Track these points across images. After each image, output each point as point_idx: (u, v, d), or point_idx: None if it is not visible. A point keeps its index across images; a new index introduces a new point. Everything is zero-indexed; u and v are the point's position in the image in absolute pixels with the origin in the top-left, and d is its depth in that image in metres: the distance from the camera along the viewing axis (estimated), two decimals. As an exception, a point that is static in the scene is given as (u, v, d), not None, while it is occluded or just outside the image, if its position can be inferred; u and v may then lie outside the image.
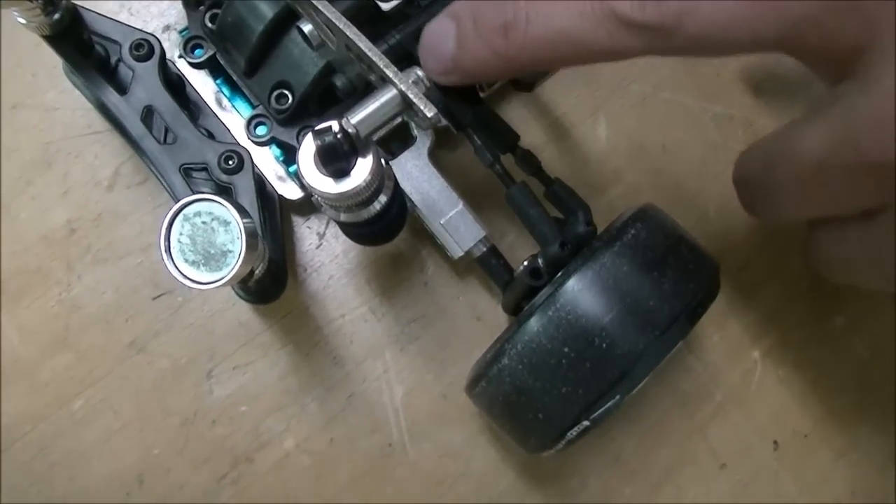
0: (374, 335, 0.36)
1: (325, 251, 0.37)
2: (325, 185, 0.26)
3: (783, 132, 0.26)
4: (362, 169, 0.26)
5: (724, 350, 0.37)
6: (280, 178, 0.35)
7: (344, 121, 0.25)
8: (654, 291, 0.27)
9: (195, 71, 0.35)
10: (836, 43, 0.23)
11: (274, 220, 0.34)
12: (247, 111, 0.35)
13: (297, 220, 0.37)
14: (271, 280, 0.34)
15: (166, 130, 0.33)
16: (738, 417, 0.37)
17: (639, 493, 0.36)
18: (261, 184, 0.34)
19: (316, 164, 0.26)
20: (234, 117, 0.35)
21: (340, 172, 0.26)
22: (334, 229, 0.36)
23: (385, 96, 0.27)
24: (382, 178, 0.27)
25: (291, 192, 0.35)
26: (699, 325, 0.36)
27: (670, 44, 0.23)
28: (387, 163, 0.28)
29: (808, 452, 0.37)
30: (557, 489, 0.36)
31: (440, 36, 0.27)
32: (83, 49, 0.33)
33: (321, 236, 0.37)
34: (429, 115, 0.26)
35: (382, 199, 0.28)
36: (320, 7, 0.28)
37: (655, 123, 0.39)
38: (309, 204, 0.36)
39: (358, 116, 0.27)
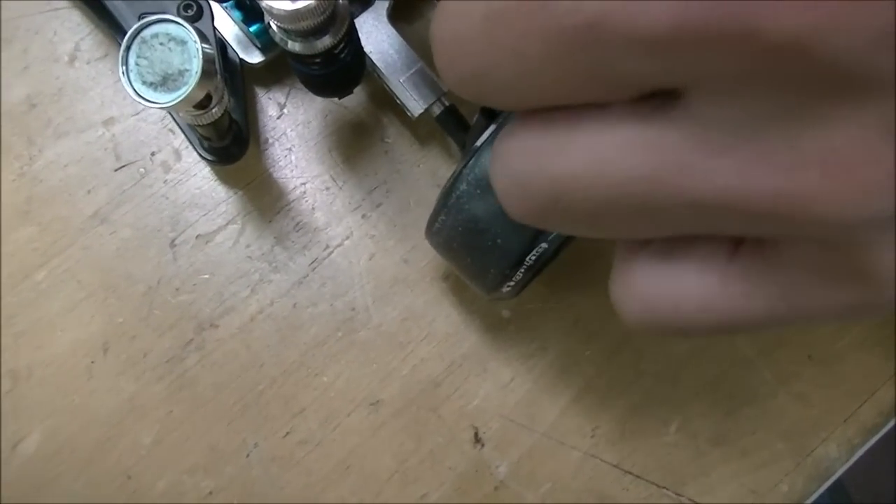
0: (336, 202, 0.36)
1: (286, 120, 0.37)
2: (279, 2, 0.26)
3: None
4: (316, -12, 0.26)
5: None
6: (242, 43, 0.35)
7: (298, -63, 0.26)
8: None
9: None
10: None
11: (235, 82, 0.35)
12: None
13: (259, 94, 0.37)
14: (233, 139, 0.34)
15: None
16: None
17: (598, 355, 0.37)
18: (223, 48, 0.35)
19: (271, -17, 0.26)
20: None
21: (295, -8, 0.26)
22: (295, 99, 0.37)
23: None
24: (336, 8, 0.28)
25: (253, 56, 0.35)
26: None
27: None
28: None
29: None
30: (519, 351, 0.36)
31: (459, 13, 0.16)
32: None
33: (282, 106, 0.37)
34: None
35: (336, 32, 0.28)
36: None
37: None
38: (270, 73, 0.37)
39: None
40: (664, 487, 0.37)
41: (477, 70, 0.15)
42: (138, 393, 0.35)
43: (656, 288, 0.17)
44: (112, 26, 0.34)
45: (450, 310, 0.36)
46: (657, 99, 0.14)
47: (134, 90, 0.27)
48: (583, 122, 0.15)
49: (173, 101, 0.27)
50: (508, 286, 0.30)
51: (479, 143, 0.28)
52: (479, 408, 0.36)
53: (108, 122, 0.36)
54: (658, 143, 0.14)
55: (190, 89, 0.27)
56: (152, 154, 0.36)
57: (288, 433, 0.35)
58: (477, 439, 0.36)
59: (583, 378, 0.37)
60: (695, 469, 0.37)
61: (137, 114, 0.36)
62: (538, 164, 0.16)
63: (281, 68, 0.36)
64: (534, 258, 0.28)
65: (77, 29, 0.37)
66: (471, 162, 0.28)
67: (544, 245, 0.28)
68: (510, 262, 0.29)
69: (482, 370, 0.36)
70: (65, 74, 0.37)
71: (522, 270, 0.29)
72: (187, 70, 0.27)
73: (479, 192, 0.28)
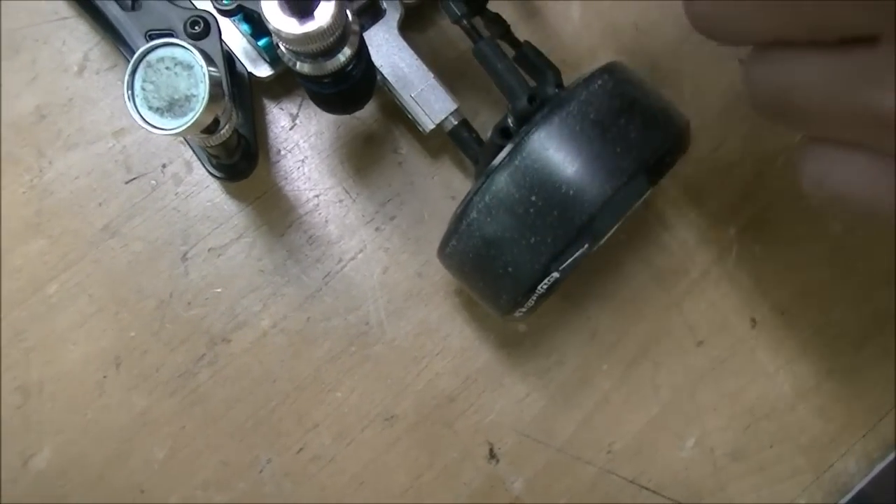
0: (349, 215, 0.36)
1: (298, 132, 0.36)
2: (288, 25, 0.25)
3: None
4: (325, 11, 0.25)
5: (700, 227, 0.37)
6: (250, 56, 0.34)
7: (306, -42, 0.25)
8: (620, 138, 0.27)
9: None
10: None
11: (244, 96, 0.34)
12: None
13: (270, 105, 0.37)
14: (242, 155, 0.34)
15: (132, -3, 0.33)
16: (714, 294, 0.37)
17: (616, 368, 0.36)
18: (230, 62, 0.34)
19: (280, 5, 0.25)
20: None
21: (303, 12, 0.25)
22: (307, 110, 0.36)
23: (349, -63, 0.27)
24: (347, 28, 0.27)
25: (261, 70, 0.34)
26: (672, 202, 0.36)
27: None
28: (353, 15, 0.28)
29: (784, 329, 0.37)
30: (535, 366, 0.36)
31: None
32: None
33: (294, 117, 0.36)
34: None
35: (347, 51, 0.28)
36: None
37: (629, 3, 0.39)
38: (279, 85, 0.36)
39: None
40: (680, 503, 0.36)
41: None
42: (150, 408, 0.35)
43: (833, 165, 0.22)
44: (117, 41, 0.33)
45: (464, 324, 0.36)
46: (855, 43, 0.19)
47: (140, 115, 0.27)
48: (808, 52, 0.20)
49: (180, 127, 0.26)
50: (521, 311, 0.29)
51: (493, 164, 0.28)
52: (494, 423, 0.36)
53: (119, 134, 0.36)
54: (860, 66, 0.19)
55: (197, 115, 0.26)
56: (163, 166, 0.36)
57: (301, 449, 0.35)
58: (492, 455, 0.36)
59: (599, 392, 0.36)
60: (712, 484, 0.36)
61: (147, 125, 0.36)
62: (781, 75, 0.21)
63: (292, 79, 0.35)
64: (546, 287, 0.28)
65: (85, 39, 0.36)
66: (483, 187, 0.28)
67: (556, 275, 0.28)
68: (522, 290, 0.28)
69: (498, 385, 0.36)
70: (74, 85, 0.36)
71: (535, 298, 0.28)
72: (194, 95, 0.26)
73: (490, 218, 0.28)
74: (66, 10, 0.36)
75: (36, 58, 0.36)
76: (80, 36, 0.36)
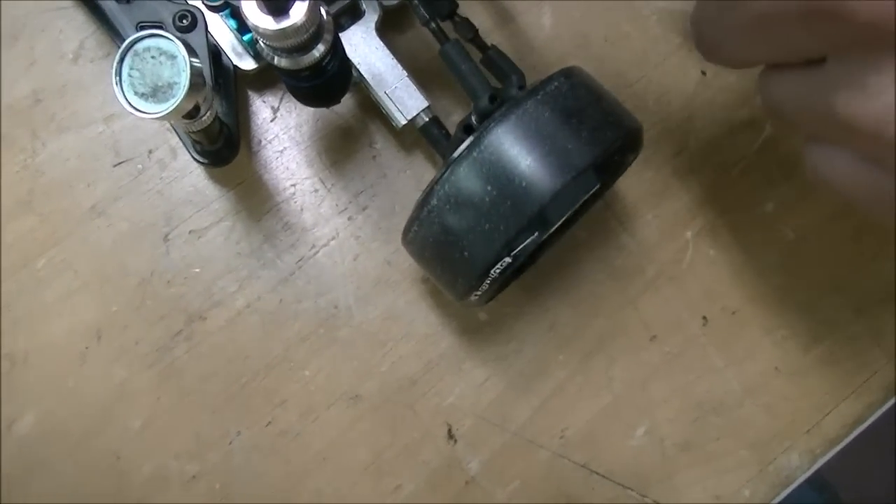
0: (323, 204, 0.38)
1: (278, 124, 0.38)
2: (265, 22, 0.27)
3: None
4: (299, 9, 0.28)
5: (658, 229, 0.39)
6: (236, 50, 0.36)
7: (283, -42, 0.27)
8: (571, 137, 0.29)
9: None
10: None
11: (228, 87, 0.36)
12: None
13: (253, 97, 0.39)
14: (224, 142, 0.36)
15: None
16: (669, 292, 0.39)
17: (572, 359, 0.38)
18: (217, 54, 0.36)
19: (258, 4, 0.27)
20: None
21: (279, 10, 0.27)
22: (288, 104, 0.38)
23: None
24: (321, 25, 0.29)
25: (246, 63, 0.36)
26: (632, 204, 0.38)
27: None
28: (327, 14, 0.30)
29: (735, 328, 0.39)
30: (495, 353, 0.38)
31: None
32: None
33: (275, 110, 0.38)
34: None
35: (321, 47, 0.30)
36: None
37: (599, 16, 0.41)
38: (262, 78, 0.38)
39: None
40: (629, 488, 0.38)
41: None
42: (129, 379, 0.37)
43: (825, 160, 0.27)
44: (111, 31, 0.35)
45: (429, 311, 0.38)
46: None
47: (126, 100, 0.29)
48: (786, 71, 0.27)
49: (162, 112, 0.28)
50: (476, 295, 0.31)
51: (454, 156, 0.30)
52: (453, 406, 0.38)
53: (109, 119, 0.38)
54: (818, 80, 0.25)
55: (178, 101, 0.28)
56: (150, 152, 0.38)
57: (269, 423, 0.37)
58: (450, 436, 0.37)
59: (555, 381, 0.38)
60: (660, 472, 0.38)
61: (136, 112, 0.38)
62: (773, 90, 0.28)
63: (274, 74, 0.37)
64: (498, 271, 0.30)
65: (82, 28, 0.38)
66: (444, 176, 0.30)
67: (507, 259, 0.29)
68: (476, 274, 0.30)
69: (458, 370, 0.38)
70: (69, 71, 0.38)
71: (488, 282, 0.30)
72: (176, 83, 0.28)
73: (449, 206, 0.29)
74: (65, 1, 0.38)
75: (34, 45, 0.38)
76: (77, 25, 0.38)
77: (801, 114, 0.27)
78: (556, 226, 0.30)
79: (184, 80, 0.28)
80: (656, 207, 0.39)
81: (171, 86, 0.29)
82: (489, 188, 0.29)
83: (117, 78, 0.29)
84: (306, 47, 0.29)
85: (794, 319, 0.40)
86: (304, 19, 0.28)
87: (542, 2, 0.40)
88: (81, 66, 0.38)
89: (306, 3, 0.28)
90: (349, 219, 0.38)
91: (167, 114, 0.28)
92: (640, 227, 0.39)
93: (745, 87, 0.41)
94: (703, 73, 0.40)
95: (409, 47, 0.38)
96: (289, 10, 0.28)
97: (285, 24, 0.28)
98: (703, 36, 0.30)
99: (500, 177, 0.29)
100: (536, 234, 0.29)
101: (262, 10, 0.28)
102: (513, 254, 0.29)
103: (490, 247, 0.29)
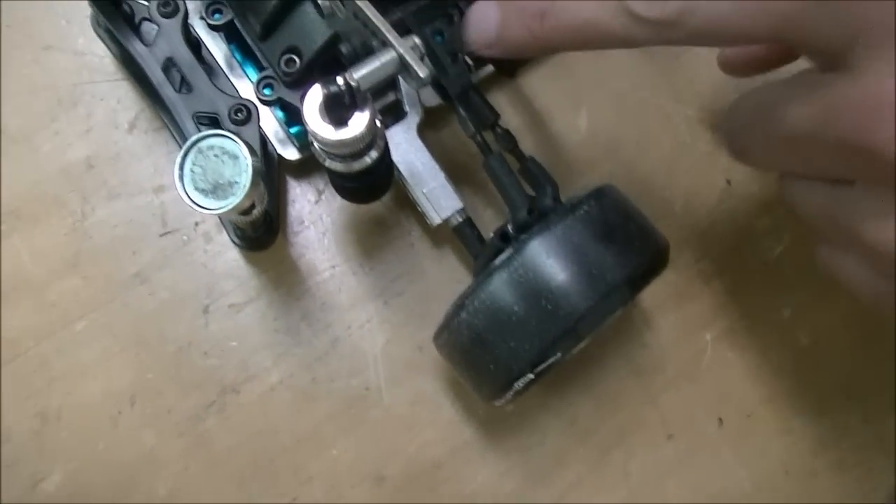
0: (360, 287, 0.39)
1: (322, 206, 0.40)
2: (325, 131, 0.29)
3: (769, 95, 0.29)
4: (360, 121, 0.29)
5: (679, 330, 0.41)
6: (280, 139, 0.38)
7: (348, 74, 0.28)
8: (598, 261, 0.30)
9: (211, 33, 0.39)
10: (825, 38, 0.25)
11: (271, 174, 0.38)
12: (253, 75, 0.38)
13: (297, 179, 0.40)
14: (265, 229, 0.37)
15: (183, 81, 0.36)
16: (687, 392, 0.40)
17: (591, 454, 0.39)
18: (262, 142, 0.37)
19: (320, 112, 0.29)
20: (242, 80, 0.38)
21: (340, 121, 0.29)
22: (331, 188, 0.40)
23: (385, 57, 0.30)
24: (375, 135, 0.31)
25: (290, 153, 0.38)
26: (657, 305, 0.40)
27: (674, 36, 0.27)
28: (381, 123, 0.31)
29: (749, 430, 0.41)
30: (517, 443, 0.39)
31: (486, 15, 0.30)
32: (116, 3, 0.36)
33: (320, 192, 0.40)
34: (422, 75, 0.29)
35: (373, 154, 0.31)
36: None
37: (632, 120, 0.42)
38: (304, 166, 0.39)
39: (361, 72, 0.30)
40: (639, 583, 0.39)
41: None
42: (158, 446, 0.38)
43: (837, 261, 0.30)
44: (164, 113, 0.36)
45: (456, 399, 0.39)
46: None
47: (186, 194, 0.30)
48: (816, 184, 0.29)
49: (222, 208, 0.30)
50: (499, 401, 0.33)
51: (490, 267, 0.31)
52: (475, 492, 0.39)
53: (159, 190, 0.39)
54: (842, 198, 0.28)
55: (238, 200, 0.29)
56: (196, 224, 0.39)
57: (294, 499, 0.38)
58: (470, 522, 0.38)
59: (574, 474, 0.39)
60: (670, 568, 0.39)
61: (185, 185, 0.39)
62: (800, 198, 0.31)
63: (317, 161, 0.39)
64: (522, 384, 0.31)
65: (138, 100, 0.40)
66: (477, 289, 0.31)
67: (531, 376, 0.31)
68: (501, 385, 0.32)
69: (481, 458, 0.39)
70: (123, 140, 0.39)
71: (511, 393, 0.32)
72: (237, 182, 0.30)
73: (478, 319, 0.31)
74: (125, 73, 0.40)
75: (92, 112, 0.40)
76: (134, 97, 0.40)
77: (822, 222, 0.29)
78: (580, 345, 0.32)
79: (244, 181, 0.30)
80: (679, 309, 0.41)
81: (231, 184, 0.30)
82: (516, 308, 0.30)
83: (179, 172, 0.30)
84: (360, 154, 0.31)
85: (805, 423, 0.41)
86: (363, 131, 0.29)
87: (579, 105, 0.42)
88: (136, 136, 0.40)
89: (367, 116, 0.29)
90: (385, 303, 0.39)
91: (226, 211, 0.30)
92: (663, 327, 0.41)
93: (768, 196, 0.42)
94: (728, 182, 0.42)
95: (442, 145, 0.40)
96: (349, 120, 0.29)
97: (345, 135, 0.29)
98: (733, 139, 0.32)
99: (528, 297, 0.30)
100: (559, 354, 0.31)
101: (323, 119, 0.29)
102: (536, 371, 0.31)
103: (515, 363, 0.31)
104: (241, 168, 0.30)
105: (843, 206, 0.28)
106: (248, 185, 0.30)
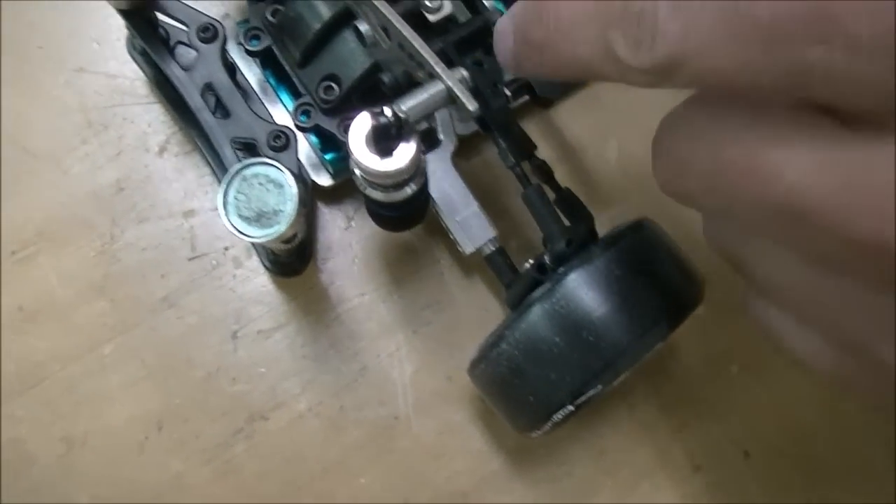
0: (389, 315, 0.39)
1: (352, 233, 0.40)
2: (371, 161, 0.29)
3: (747, 144, 0.21)
4: (405, 152, 0.29)
5: (707, 363, 0.41)
6: (314, 165, 0.38)
7: (396, 106, 0.28)
8: (639, 296, 0.30)
9: (248, 59, 0.39)
10: (857, 99, 0.18)
11: (308, 203, 0.38)
12: (287, 101, 0.38)
13: (330, 204, 0.40)
14: (298, 255, 0.37)
15: (219, 105, 0.36)
16: (714, 425, 0.40)
17: (619, 486, 0.39)
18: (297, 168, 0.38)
19: (366, 141, 0.29)
20: (275, 106, 0.38)
21: (386, 152, 0.29)
22: (363, 213, 0.39)
23: (434, 89, 0.30)
24: (418, 167, 0.31)
25: (323, 179, 0.38)
26: (685, 336, 0.39)
27: (670, 82, 0.23)
28: (424, 154, 0.31)
29: (775, 464, 0.40)
30: (545, 474, 0.39)
31: (502, 35, 0.29)
32: (153, 26, 0.36)
33: (350, 219, 0.40)
34: (471, 108, 0.29)
35: (413, 186, 0.31)
36: (382, 10, 0.31)
37: (663, 151, 0.42)
38: (334, 192, 0.39)
39: (409, 104, 0.30)
40: None
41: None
42: (185, 472, 0.37)
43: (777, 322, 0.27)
44: (200, 138, 0.36)
45: (485, 428, 0.39)
46: None
47: (230, 221, 0.30)
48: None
49: (265, 237, 0.30)
50: (537, 433, 0.33)
51: (531, 298, 0.31)
52: (501, 523, 0.38)
53: (188, 214, 0.39)
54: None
55: (283, 229, 0.29)
56: (225, 248, 0.39)
57: (321, 529, 0.37)
58: (496, 553, 0.38)
59: (601, 506, 0.39)
60: None
61: (216, 209, 0.39)
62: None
63: (351, 186, 0.39)
64: (561, 416, 0.31)
65: (170, 123, 0.40)
66: (517, 320, 0.31)
67: (571, 408, 0.31)
68: (539, 417, 0.31)
69: (509, 489, 0.38)
70: (153, 164, 0.39)
71: (550, 424, 0.32)
72: (282, 211, 0.30)
73: (518, 352, 0.31)
74: (156, 96, 0.40)
75: (122, 135, 0.40)
76: (164, 121, 0.40)
77: (767, 283, 0.27)
78: (620, 378, 0.31)
79: (289, 209, 0.30)
80: (705, 341, 0.41)
81: (276, 213, 0.30)
82: (557, 339, 0.30)
83: (223, 199, 0.30)
84: (402, 185, 0.31)
85: (833, 458, 0.41)
86: (408, 164, 0.29)
87: (608, 136, 0.42)
88: (166, 159, 0.40)
89: (413, 148, 0.29)
90: (414, 332, 0.39)
91: (270, 240, 0.30)
92: (690, 359, 0.40)
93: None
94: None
95: (472, 173, 0.39)
96: (394, 150, 0.29)
97: (391, 166, 0.29)
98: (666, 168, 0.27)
99: (569, 330, 0.30)
100: (600, 386, 0.31)
101: (370, 149, 0.29)
102: (576, 403, 0.31)
103: (555, 395, 0.30)
104: (287, 197, 0.30)
105: (819, 290, 0.23)
106: (293, 214, 0.30)
